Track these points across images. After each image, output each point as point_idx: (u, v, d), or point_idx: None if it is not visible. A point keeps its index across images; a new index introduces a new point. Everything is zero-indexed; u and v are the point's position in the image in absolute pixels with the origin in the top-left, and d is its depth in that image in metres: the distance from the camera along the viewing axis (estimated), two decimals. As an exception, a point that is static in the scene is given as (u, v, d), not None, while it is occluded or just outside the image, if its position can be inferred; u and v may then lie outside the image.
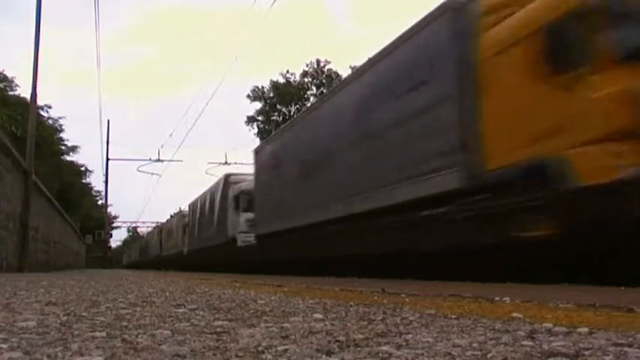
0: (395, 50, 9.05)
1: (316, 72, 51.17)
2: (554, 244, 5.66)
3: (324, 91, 50.74)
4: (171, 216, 39.41)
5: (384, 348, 1.50)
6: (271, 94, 51.33)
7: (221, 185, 20.98)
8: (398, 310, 2.64)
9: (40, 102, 21.67)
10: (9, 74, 27.72)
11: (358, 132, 10.00)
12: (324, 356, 1.40)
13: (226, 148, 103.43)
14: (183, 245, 29.04)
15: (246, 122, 52.01)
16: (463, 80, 7.12)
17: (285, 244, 13.58)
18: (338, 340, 1.63)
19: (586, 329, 1.80)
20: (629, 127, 5.14)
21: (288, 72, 51.57)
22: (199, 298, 3.66)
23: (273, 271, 12.16)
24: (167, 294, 4.13)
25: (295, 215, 12.73)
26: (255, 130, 51.54)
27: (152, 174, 44.89)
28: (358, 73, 11.22)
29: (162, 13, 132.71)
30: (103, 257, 44.95)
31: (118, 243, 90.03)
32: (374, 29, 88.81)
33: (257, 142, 46.03)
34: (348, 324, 2.07)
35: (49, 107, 29.82)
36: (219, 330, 1.89)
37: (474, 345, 1.54)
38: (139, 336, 1.74)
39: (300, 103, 50.28)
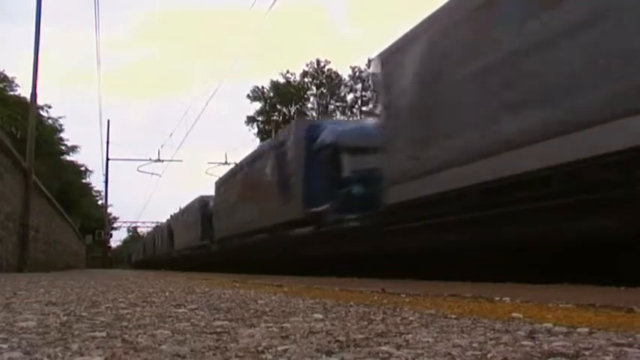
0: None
1: (316, 72, 51.22)
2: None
3: (324, 91, 50.90)
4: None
5: (384, 348, 1.50)
6: (271, 94, 51.36)
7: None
8: (398, 310, 2.64)
9: (40, 102, 21.69)
10: (9, 74, 27.77)
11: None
12: (324, 356, 1.40)
13: (226, 148, 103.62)
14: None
15: (246, 122, 52.12)
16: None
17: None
18: (338, 340, 1.63)
19: (586, 329, 1.80)
20: None
21: (288, 72, 51.67)
22: (199, 298, 3.66)
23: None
24: (167, 294, 4.13)
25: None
26: (255, 130, 51.64)
27: (152, 174, 44.75)
28: None
29: (163, 13, 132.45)
30: (102, 257, 44.95)
31: (118, 243, 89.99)
32: (373, 30, 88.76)
33: (257, 142, 46.09)
34: (348, 324, 2.06)
35: (49, 107, 29.84)
36: (219, 330, 1.89)
37: (474, 345, 1.54)
38: (139, 336, 1.74)
39: (300, 103, 50.34)
